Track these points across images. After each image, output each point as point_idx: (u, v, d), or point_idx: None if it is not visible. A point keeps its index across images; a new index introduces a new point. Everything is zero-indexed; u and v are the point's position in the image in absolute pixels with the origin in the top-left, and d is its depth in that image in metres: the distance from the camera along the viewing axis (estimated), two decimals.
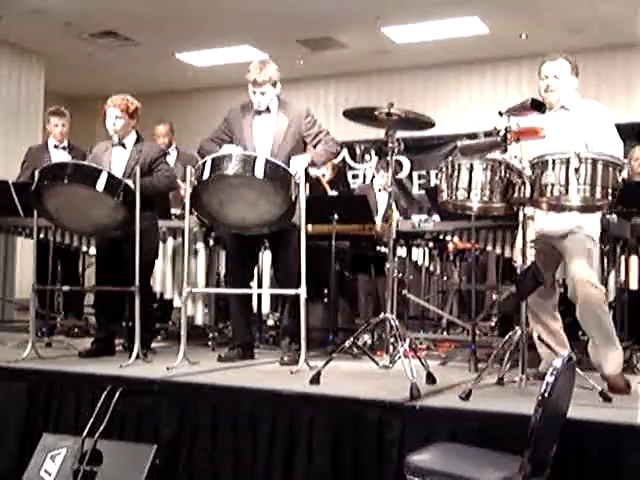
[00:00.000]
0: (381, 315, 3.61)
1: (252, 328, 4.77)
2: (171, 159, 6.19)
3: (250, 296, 4.83)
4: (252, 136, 4.30)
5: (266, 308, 5.38)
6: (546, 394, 2.14)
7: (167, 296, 5.20)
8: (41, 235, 5.20)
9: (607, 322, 3.46)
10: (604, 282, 4.32)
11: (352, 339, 3.64)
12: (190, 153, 6.29)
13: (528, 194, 3.17)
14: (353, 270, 5.75)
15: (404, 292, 5.15)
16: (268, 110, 4.32)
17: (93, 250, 5.11)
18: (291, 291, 4.04)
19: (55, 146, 5.84)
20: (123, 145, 4.49)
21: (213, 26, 8.33)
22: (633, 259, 4.37)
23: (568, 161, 3.07)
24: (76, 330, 5.65)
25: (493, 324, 5.57)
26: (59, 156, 5.76)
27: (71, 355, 4.43)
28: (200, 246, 5.17)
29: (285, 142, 4.26)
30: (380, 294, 5.86)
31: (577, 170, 3.05)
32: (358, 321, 5.82)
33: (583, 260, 3.46)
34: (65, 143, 5.86)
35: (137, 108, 4.52)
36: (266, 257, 5.16)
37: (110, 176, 4.09)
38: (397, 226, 4.74)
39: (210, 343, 4.90)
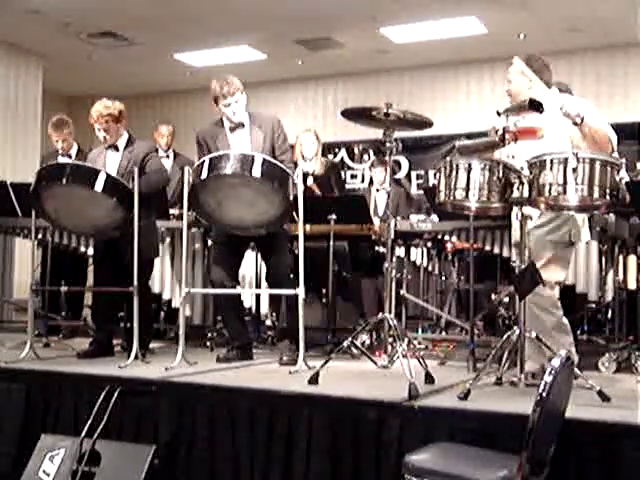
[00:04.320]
0: (379, 315, 3.61)
1: (249, 328, 4.75)
2: (168, 162, 6.21)
3: (239, 296, 4.70)
4: None
5: (264, 308, 5.37)
6: (544, 394, 2.13)
7: (165, 296, 5.20)
8: (39, 236, 5.20)
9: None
10: (602, 281, 4.33)
11: (350, 339, 3.64)
12: (187, 157, 6.31)
13: (526, 194, 3.17)
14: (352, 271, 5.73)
15: (402, 292, 5.14)
16: (242, 125, 4.29)
17: (91, 251, 5.11)
18: (290, 291, 4.03)
19: (62, 155, 5.74)
20: (115, 148, 4.52)
21: (212, 26, 8.32)
22: (631, 259, 4.37)
23: (566, 161, 3.07)
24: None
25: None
26: None
27: (69, 356, 4.43)
28: (198, 246, 5.16)
29: (264, 154, 4.20)
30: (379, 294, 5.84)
31: (575, 170, 3.05)
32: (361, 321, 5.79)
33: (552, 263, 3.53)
34: (73, 150, 5.71)
35: (120, 111, 4.48)
36: None
37: (108, 176, 4.10)
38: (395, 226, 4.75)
39: (209, 343, 4.90)
